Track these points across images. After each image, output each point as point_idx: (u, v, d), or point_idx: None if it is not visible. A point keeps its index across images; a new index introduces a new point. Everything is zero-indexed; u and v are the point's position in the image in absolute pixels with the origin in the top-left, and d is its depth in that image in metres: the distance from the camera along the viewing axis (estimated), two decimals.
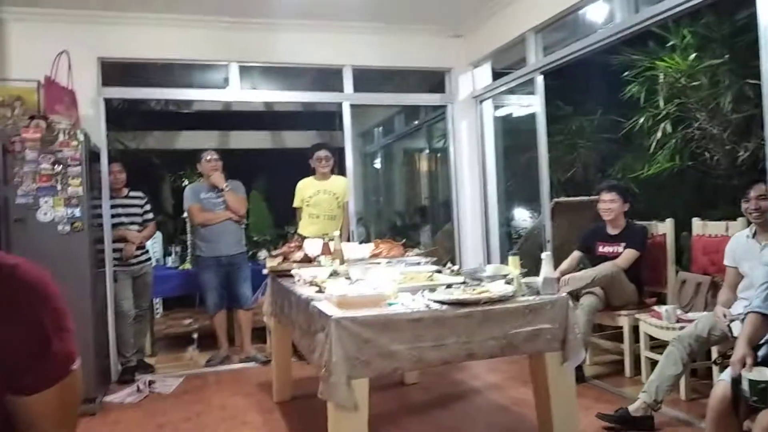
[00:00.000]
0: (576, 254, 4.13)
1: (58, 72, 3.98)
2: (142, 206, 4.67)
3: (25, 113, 3.85)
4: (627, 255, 3.86)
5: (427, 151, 7.72)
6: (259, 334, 5.09)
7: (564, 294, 2.48)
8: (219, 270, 4.62)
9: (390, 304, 2.31)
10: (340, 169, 5.29)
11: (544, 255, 2.48)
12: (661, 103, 4.90)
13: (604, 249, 4.03)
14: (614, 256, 3.92)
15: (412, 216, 8.04)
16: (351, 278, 2.75)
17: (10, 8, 4.23)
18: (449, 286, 2.57)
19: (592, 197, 4.45)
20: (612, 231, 4.02)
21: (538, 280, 2.46)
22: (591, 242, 4.10)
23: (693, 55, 4.68)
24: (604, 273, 3.76)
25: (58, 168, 3.56)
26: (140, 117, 7.05)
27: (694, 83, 4.72)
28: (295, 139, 8.27)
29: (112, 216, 4.39)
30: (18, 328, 0.82)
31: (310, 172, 4.84)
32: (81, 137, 3.63)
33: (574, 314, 2.44)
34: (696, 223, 3.92)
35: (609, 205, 3.97)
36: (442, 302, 2.30)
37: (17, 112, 3.85)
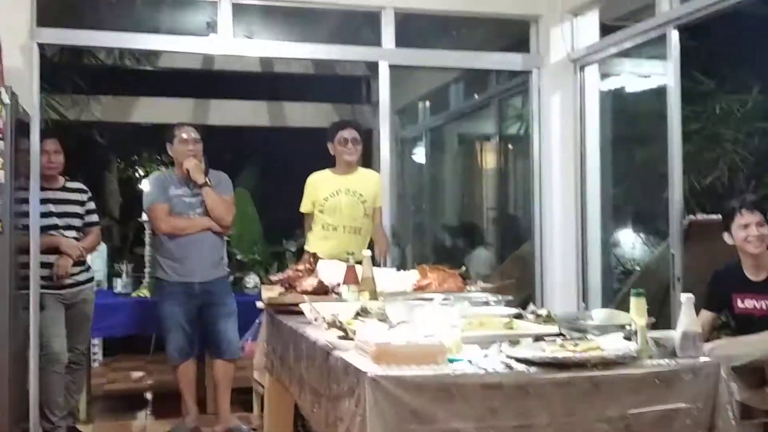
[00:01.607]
0: (706, 316, 3.99)
1: None
2: (83, 203, 4.73)
3: None
4: None
5: (496, 138, 7.68)
6: (243, 397, 5.11)
7: (712, 359, 2.43)
8: (189, 301, 4.65)
9: (451, 361, 2.30)
10: (367, 159, 5.29)
11: (683, 298, 2.43)
12: None
13: (745, 304, 3.90)
14: (763, 316, 3.82)
15: (468, 233, 8.01)
16: (389, 320, 2.74)
17: None
18: (538, 338, 2.55)
19: None
20: (754, 275, 3.87)
21: (674, 334, 2.42)
22: (724, 295, 3.98)
23: None
24: None
25: None
26: (83, 75, 7.18)
27: None
28: (302, 114, 8.33)
29: (42, 215, 4.44)
30: None
31: (326, 162, 4.83)
32: (6, 99, 3.69)
33: (728, 388, 2.39)
34: None
35: (757, 231, 3.82)
36: (529, 362, 2.27)
37: None
